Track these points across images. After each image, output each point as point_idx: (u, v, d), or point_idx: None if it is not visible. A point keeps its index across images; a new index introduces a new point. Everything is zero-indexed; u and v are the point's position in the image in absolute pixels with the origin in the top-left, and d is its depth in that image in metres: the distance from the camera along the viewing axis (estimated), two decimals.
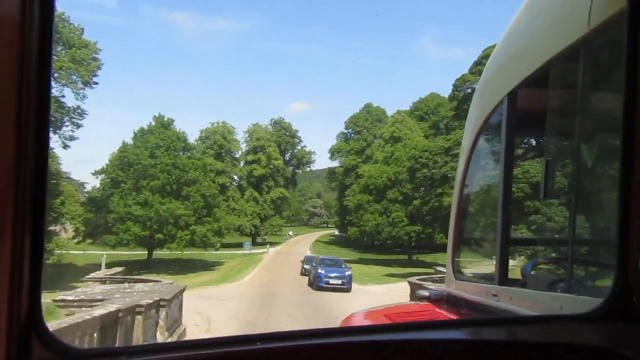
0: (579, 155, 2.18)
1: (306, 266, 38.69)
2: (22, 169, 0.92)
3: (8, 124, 0.91)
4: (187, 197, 49.40)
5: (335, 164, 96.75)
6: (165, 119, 53.10)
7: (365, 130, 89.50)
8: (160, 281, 21.81)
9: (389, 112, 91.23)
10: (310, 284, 32.41)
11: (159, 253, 53.41)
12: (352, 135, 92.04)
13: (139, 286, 18.40)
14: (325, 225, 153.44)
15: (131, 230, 45.60)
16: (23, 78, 0.93)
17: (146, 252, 51.22)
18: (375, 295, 28.91)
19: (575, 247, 2.30)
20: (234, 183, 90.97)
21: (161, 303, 14.69)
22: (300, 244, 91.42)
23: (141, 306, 13.18)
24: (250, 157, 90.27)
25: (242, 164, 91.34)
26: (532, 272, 2.82)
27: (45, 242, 1.02)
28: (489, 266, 2.88)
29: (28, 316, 0.96)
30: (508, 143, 2.65)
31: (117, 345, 10.41)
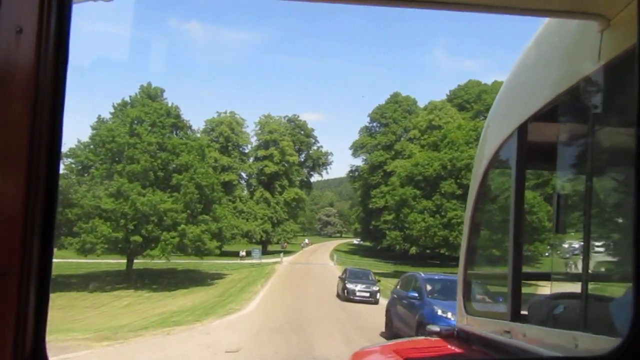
0: (591, 189, 2.15)
1: (350, 286, 25.28)
2: (32, 204, 0.92)
3: (21, 147, 0.91)
4: (176, 187, 36.73)
5: (357, 161, 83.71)
6: (153, 87, 40.66)
7: (393, 123, 76.34)
8: None
9: (420, 104, 78.55)
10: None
11: (145, 262, 40.74)
12: (378, 128, 78.99)
13: None
14: (339, 234, 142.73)
15: (98, 230, 32.94)
16: (40, 71, 0.93)
17: (125, 260, 38.60)
18: None
19: (591, 282, 2.21)
20: (242, 181, 78.22)
21: None
22: (318, 253, 77.96)
23: None
24: (261, 153, 77.50)
25: (251, 160, 78.75)
26: (546, 308, 2.63)
27: (51, 276, 0.98)
28: (501, 302, 2.78)
29: (32, 353, 0.96)
30: (518, 176, 2.64)
31: None
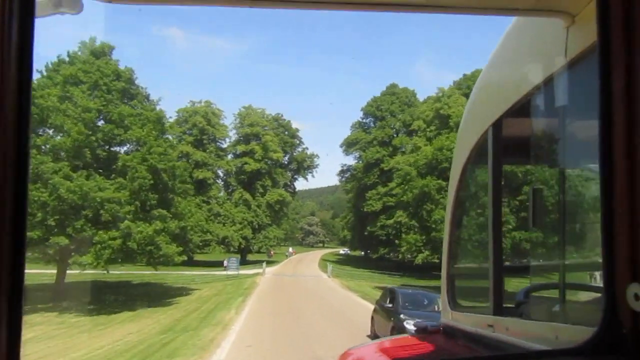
0: (565, 182, 2.17)
1: (410, 322, 12.38)
2: None
3: None
4: (122, 171, 26.61)
5: (349, 160, 74.47)
6: (98, 44, 30.46)
7: (391, 116, 67.18)
8: None
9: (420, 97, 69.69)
10: None
11: (96, 273, 30.03)
12: (374, 123, 69.73)
13: None
14: (321, 244, 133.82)
15: None
16: (3, 80, 0.92)
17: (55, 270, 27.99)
18: None
19: (568, 273, 2.24)
20: (219, 181, 67.78)
21: None
22: (305, 264, 67.63)
23: None
24: (240, 148, 67.27)
25: (230, 156, 68.53)
26: (527, 301, 2.66)
27: (23, 293, 0.93)
28: (484, 296, 2.62)
29: None
30: (495, 172, 2.61)
31: None
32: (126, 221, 23.98)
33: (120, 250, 24.19)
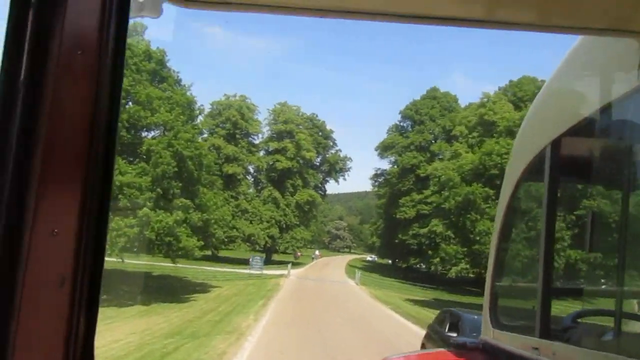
0: (627, 206, 2.08)
1: None
2: (85, 216, 0.97)
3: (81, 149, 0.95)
4: (146, 156, 24.98)
5: (384, 164, 71.78)
6: (130, 22, 29.09)
7: (430, 120, 64.06)
8: None
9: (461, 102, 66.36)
10: None
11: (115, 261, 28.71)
12: (412, 127, 66.77)
13: None
14: (347, 250, 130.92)
15: None
16: (98, 91, 0.98)
17: None
18: None
19: (626, 301, 2.19)
20: (249, 177, 66.15)
21: None
22: (330, 268, 65.19)
23: None
24: (273, 145, 65.52)
25: (262, 153, 66.86)
26: (576, 326, 2.54)
27: (101, 286, 1.03)
28: (529, 316, 2.53)
29: (82, 355, 0.99)
30: (551, 191, 2.53)
31: None
32: (145, 209, 22.18)
33: (137, 239, 22.41)
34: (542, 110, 3.06)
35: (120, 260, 23.53)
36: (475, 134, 50.32)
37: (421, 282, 50.95)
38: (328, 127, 79.67)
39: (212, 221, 28.21)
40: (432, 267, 47.75)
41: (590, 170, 2.59)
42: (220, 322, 16.84)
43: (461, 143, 51.71)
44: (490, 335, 3.12)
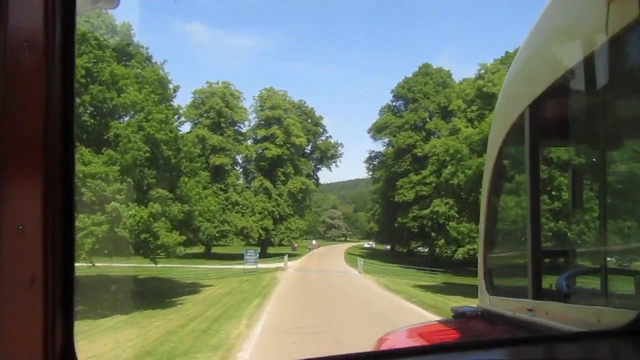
0: (605, 162, 2.15)
1: None
2: (50, 211, 0.95)
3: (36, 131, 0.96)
4: (114, 142, 21.67)
5: (378, 146, 68.63)
6: None
7: (424, 98, 60.99)
8: None
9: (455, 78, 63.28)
10: None
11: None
12: (405, 106, 63.70)
13: None
14: (343, 238, 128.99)
15: None
16: (49, 84, 0.97)
17: None
18: None
19: (610, 256, 2.24)
20: (237, 167, 62.75)
21: None
22: (329, 258, 62.27)
23: None
24: (261, 133, 62.10)
25: (249, 142, 63.40)
26: (567, 285, 2.57)
27: (74, 281, 1.01)
28: (522, 280, 2.56)
29: (63, 356, 0.98)
30: (532, 154, 2.55)
31: None
32: (113, 202, 18.90)
33: (107, 238, 19.14)
34: (518, 74, 3.04)
35: (91, 264, 20.22)
36: (474, 107, 47.33)
37: (425, 266, 48.19)
38: (317, 114, 76.55)
39: (196, 213, 24.96)
40: (437, 250, 44.97)
41: (568, 131, 2.57)
42: (206, 332, 13.67)
43: (459, 118, 48.76)
44: (487, 302, 3.13)
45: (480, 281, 3.34)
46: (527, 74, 2.85)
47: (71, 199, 0.99)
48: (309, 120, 73.46)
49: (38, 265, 0.92)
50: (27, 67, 0.93)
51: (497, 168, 3.17)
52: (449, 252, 43.69)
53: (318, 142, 76.58)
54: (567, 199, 2.50)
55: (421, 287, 32.04)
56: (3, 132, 0.91)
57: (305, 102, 73.85)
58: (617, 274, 2.31)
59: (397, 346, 3.16)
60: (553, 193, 20.62)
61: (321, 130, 76.79)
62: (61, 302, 0.96)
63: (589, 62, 2.02)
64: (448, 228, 43.51)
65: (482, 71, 49.77)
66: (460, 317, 3.30)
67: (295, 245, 68.62)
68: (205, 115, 57.55)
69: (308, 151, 73.89)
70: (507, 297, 3.03)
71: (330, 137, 79.46)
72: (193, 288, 28.99)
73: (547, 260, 2.98)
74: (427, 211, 47.98)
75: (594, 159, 2.40)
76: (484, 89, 46.08)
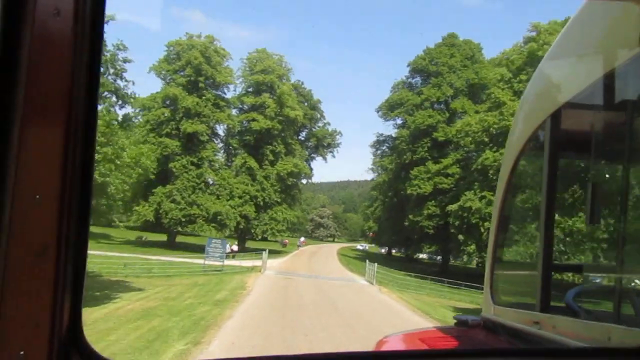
0: (627, 179, 2.07)
1: None
2: (67, 183, 0.95)
3: (58, 132, 0.95)
4: None
5: (388, 129, 57.56)
6: None
7: (450, 72, 49.96)
8: None
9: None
10: None
11: None
12: (423, 82, 52.64)
13: None
14: (331, 239, 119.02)
15: None
16: (76, 52, 0.96)
17: None
18: None
19: (625, 275, 2.17)
20: (217, 140, 51.03)
21: None
22: (320, 258, 50.74)
23: None
24: (248, 101, 50.80)
25: (233, 111, 51.89)
26: (577, 300, 2.48)
27: (87, 255, 1.04)
28: (530, 292, 2.52)
29: (69, 331, 0.98)
30: (550, 166, 2.48)
31: None
32: None
33: None
34: (541, 83, 2.93)
35: None
36: (522, 76, 36.51)
37: (440, 276, 37.04)
38: (315, 97, 65.79)
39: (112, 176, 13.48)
40: (466, 258, 34.23)
41: (590, 144, 2.42)
42: None
43: (503, 89, 37.81)
44: (491, 311, 3.08)
45: (486, 290, 3.24)
46: (551, 83, 2.80)
47: (90, 171, 0.97)
48: (306, 104, 62.62)
49: (53, 234, 0.92)
50: (55, 33, 0.92)
51: (511, 178, 3.05)
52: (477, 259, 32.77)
53: (314, 129, 65.84)
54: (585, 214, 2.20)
55: (462, 309, 21.11)
56: (27, 100, 0.89)
57: (302, 83, 62.97)
58: (632, 293, 2.16)
59: (396, 349, 3.08)
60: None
61: (318, 115, 65.97)
62: (73, 272, 0.95)
63: (614, 76, 1.95)
64: (483, 230, 32.62)
65: (533, 33, 38.81)
66: (462, 325, 3.20)
67: (286, 240, 57.46)
68: (180, 72, 46.03)
69: (302, 138, 63.13)
70: (513, 308, 2.95)
71: (329, 123, 68.60)
72: (108, 294, 17.60)
73: (557, 275, 2.75)
74: (454, 207, 36.80)
75: (615, 174, 2.30)
76: (539, 53, 34.92)
